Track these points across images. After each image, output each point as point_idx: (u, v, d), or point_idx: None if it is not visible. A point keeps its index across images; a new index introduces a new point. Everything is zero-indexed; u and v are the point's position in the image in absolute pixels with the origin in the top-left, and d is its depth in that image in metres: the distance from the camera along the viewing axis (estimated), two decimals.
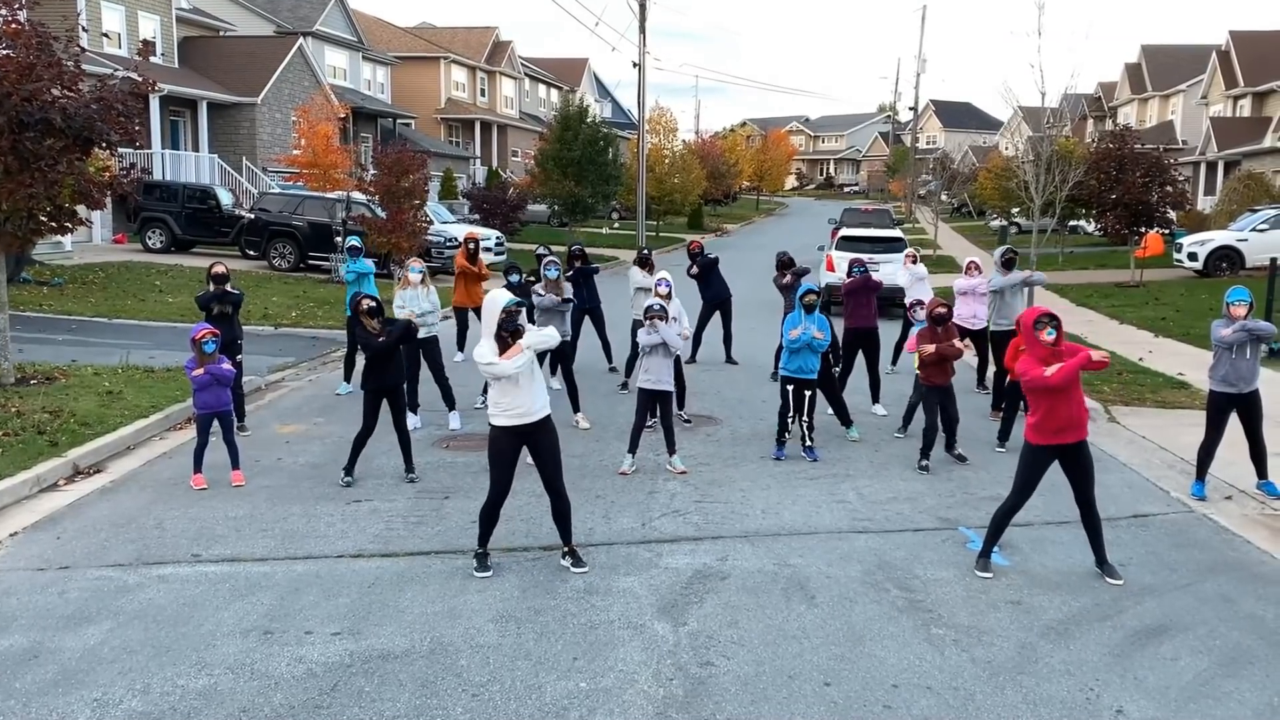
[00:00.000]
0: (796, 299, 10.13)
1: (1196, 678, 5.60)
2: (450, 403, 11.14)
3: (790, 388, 10.06)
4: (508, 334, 6.70)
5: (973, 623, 6.24)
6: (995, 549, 7.32)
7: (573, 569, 7.00)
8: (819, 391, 10.34)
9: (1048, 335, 6.78)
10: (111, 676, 5.44)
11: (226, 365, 8.94)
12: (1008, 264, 12.13)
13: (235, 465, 8.93)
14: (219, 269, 10.57)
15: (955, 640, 5.99)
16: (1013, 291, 12.11)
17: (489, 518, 7.00)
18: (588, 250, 15.44)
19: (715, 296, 15.13)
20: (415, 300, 10.83)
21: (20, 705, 5.15)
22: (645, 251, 14.28)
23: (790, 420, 10.09)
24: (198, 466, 8.80)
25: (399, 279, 11.33)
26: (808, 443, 10.09)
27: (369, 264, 12.82)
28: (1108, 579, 6.93)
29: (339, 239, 22.90)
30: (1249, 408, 8.61)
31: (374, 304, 9.11)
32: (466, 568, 7.00)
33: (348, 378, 12.49)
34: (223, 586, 6.66)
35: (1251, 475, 8.96)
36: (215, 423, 8.94)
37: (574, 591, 6.63)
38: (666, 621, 6.20)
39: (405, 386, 9.63)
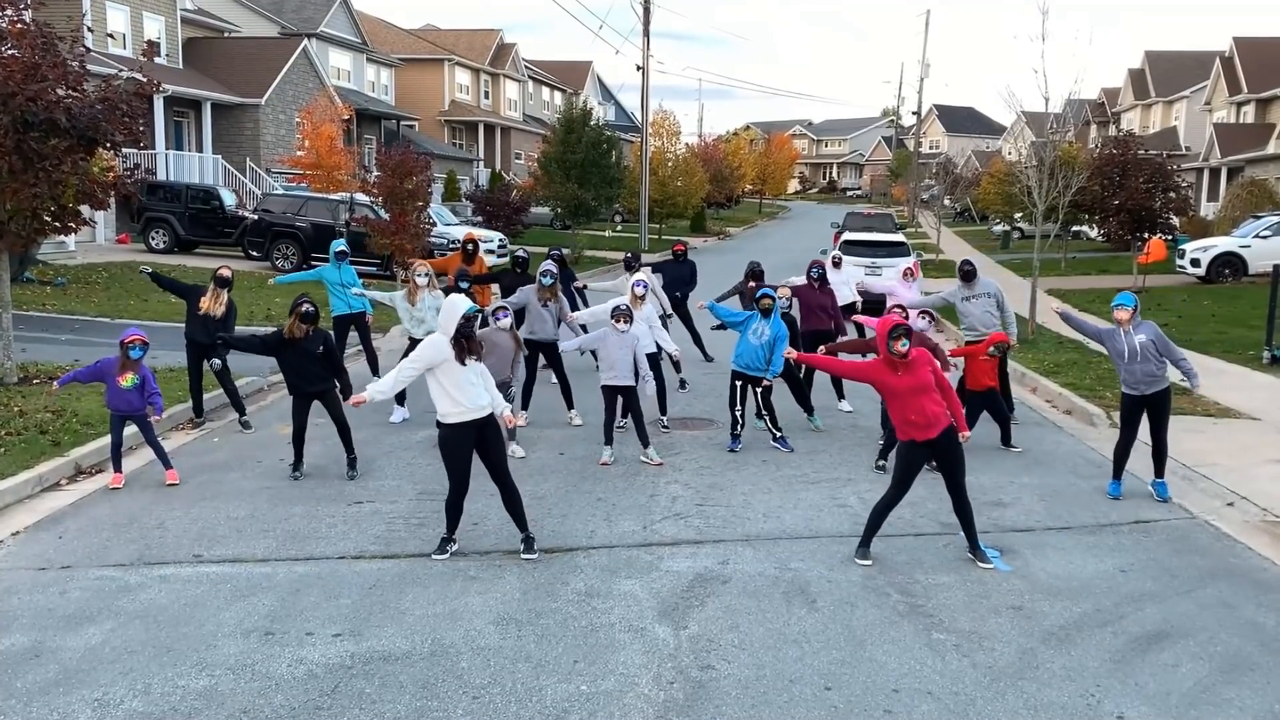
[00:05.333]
0: (754, 301, 10.56)
1: (1197, 684, 5.60)
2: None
3: (738, 383, 10.33)
4: (464, 338, 6.98)
5: (974, 628, 6.24)
6: (997, 554, 7.36)
7: (522, 554, 7.19)
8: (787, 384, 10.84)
9: (901, 346, 7.09)
10: (112, 676, 5.45)
11: (154, 396, 8.96)
12: (966, 276, 11.72)
13: (166, 466, 8.98)
14: (224, 271, 10.78)
15: (956, 645, 5.99)
16: (976, 302, 11.64)
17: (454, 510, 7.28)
18: (577, 254, 15.61)
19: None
20: (423, 307, 10.94)
21: (21, 705, 5.16)
22: (628, 255, 14.64)
23: (739, 412, 10.34)
24: (115, 466, 8.89)
25: (409, 285, 11.24)
26: (776, 435, 10.41)
27: (354, 273, 13.14)
28: (979, 564, 7.19)
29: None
30: (1157, 407, 8.81)
31: (311, 309, 9.01)
32: (467, 570, 7.01)
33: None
34: (224, 587, 6.67)
35: (1250, 481, 8.94)
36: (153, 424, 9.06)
37: (575, 594, 6.63)
38: (667, 625, 6.20)
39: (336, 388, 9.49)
